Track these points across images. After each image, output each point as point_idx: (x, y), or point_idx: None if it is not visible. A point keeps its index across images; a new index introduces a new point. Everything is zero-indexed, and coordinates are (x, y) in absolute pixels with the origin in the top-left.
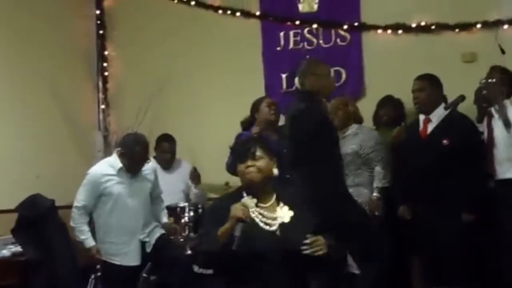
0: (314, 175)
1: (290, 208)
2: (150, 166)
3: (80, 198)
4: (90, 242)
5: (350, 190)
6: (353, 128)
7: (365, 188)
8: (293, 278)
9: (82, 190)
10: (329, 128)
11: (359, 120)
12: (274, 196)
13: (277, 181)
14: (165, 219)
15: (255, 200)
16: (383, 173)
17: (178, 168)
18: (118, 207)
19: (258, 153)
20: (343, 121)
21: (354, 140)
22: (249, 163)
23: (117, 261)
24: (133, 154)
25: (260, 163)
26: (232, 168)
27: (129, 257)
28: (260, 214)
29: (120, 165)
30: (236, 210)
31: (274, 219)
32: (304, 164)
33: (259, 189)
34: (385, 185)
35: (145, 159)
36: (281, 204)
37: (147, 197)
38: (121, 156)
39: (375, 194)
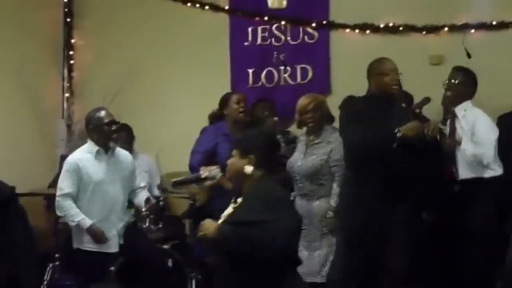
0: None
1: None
2: (128, 154)
3: (63, 186)
4: (87, 222)
5: (316, 202)
6: (327, 133)
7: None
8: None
9: (63, 177)
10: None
11: (331, 119)
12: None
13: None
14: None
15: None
16: (338, 191)
17: (138, 160)
18: (98, 193)
19: (233, 152)
20: (319, 124)
21: (326, 149)
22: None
23: (95, 248)
24: (100, 124)
25: (229, 162)
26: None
27: (108, 244)
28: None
29: (96, 148)
30: None
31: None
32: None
33: (235, 186)
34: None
35: (114, 123)
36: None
37: (126, 183)
38: (92, 132)
39: (329, 213)
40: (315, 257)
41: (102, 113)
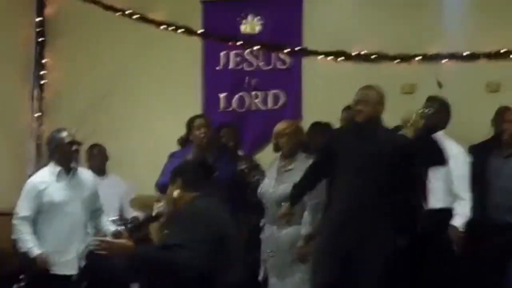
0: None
1: None
2: (90, 174)
3: (21, 209)
4: (35, 251)
5: (286, 230)
6: (300, 160)
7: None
8: None
9: (23, 200)
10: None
11: (307, 147)
12: None
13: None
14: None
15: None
16: (309, 219)
17: (110, 182)
18: (58, 214)
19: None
20: (294, 150)
21: (298, 177)
22: None
23: (52, 270)
24: (61, 144)
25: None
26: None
27: (66, 266)
28: None
29: (58, 168)
30: None
31: None
32: None
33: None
34: (310, 231)
35: (75, 143)
36: None
37: (87, 204)
38: (53, 152)
39: (300, 242)
40: (286, 283)
41: (63, 133)
